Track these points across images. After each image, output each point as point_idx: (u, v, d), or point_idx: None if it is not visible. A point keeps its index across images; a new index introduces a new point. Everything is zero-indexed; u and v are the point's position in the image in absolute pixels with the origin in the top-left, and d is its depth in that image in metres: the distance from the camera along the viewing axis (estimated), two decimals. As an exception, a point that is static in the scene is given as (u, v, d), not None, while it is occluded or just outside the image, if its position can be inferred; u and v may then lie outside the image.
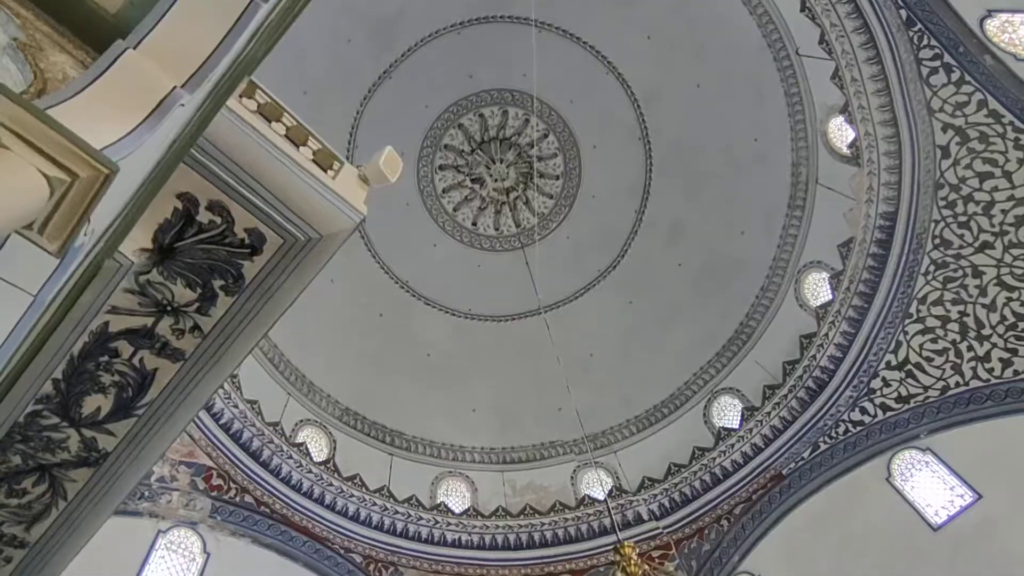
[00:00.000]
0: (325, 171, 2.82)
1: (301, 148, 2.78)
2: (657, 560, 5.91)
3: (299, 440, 12.78)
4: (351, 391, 14.23)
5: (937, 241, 10.75)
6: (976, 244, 10.46)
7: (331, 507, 12.10)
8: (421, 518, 12.70)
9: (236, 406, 11.74)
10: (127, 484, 3.26)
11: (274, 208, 2.73)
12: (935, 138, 10.16)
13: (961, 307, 10.92)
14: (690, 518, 12.54)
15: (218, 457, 11.26)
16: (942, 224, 10.63)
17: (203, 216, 2.68)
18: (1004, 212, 10.05)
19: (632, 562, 5.46)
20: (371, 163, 2.98)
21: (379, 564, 12.04)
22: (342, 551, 11.81)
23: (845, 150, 11.86)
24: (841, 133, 11.98)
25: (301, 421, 13.46)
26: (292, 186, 2.72)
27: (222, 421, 11.49)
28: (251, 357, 13.12)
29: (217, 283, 2.80)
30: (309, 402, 13.82)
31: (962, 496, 10.51)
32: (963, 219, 10.48)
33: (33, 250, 2.57)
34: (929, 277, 10.93)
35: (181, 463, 10.88)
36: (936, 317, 11.15)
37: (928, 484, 11.03)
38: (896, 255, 11.23)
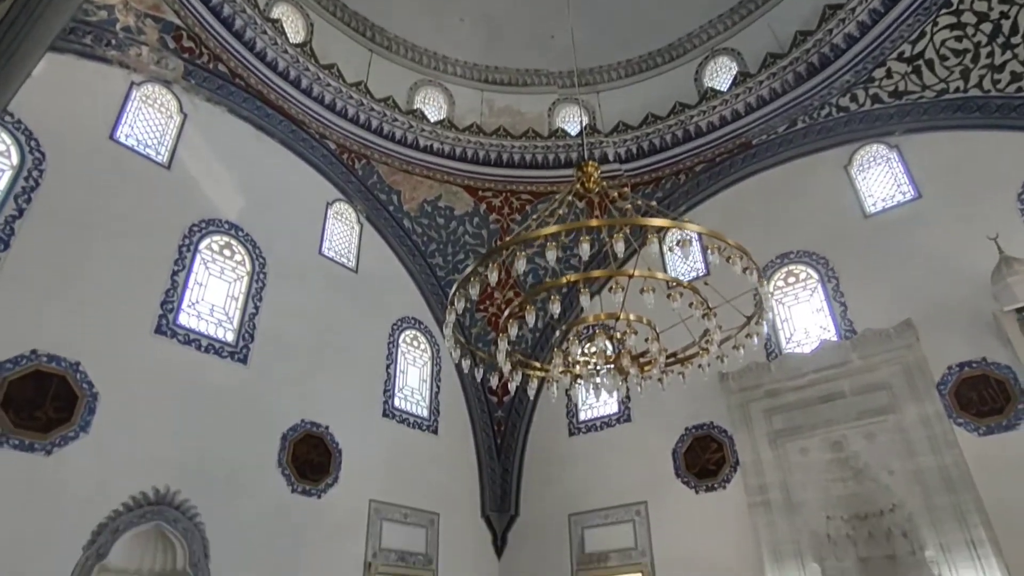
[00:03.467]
0: None
1: None
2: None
3: (274, 16, 12.01)
4: (332, -32, 12.89)
5: (1034, -84, 9.23)
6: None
7: (307, 92, 12.06)
8: (396, 119, 12.91)
9: (202, -39, 10.60)
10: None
11: None
12: None
13: (1006, 7, 10.01)
14: (652, 167, 13.18)
15: (187, 17, 10.60)
16: None
17: None
18: None
19: (592, 179, 5.86)
20: None
21: (352, 155, 12.62)
22: (317, 136, 12.20)
23: None
24: None
25: (276, -5, 12.45)
26: None
27: (187, -24, 10.49)
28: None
29: None
30: (285, -26, 12.57)
31: (904, 194, 11.18)
32: None
33: None
34: (996, -37, 9.69)
35: (147, 16, 10.24)
36: (975, 13, 10.28)
37: (879, 177, 11.61)
38: (975, -73, 9.72)
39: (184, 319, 9.42)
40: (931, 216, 10.60)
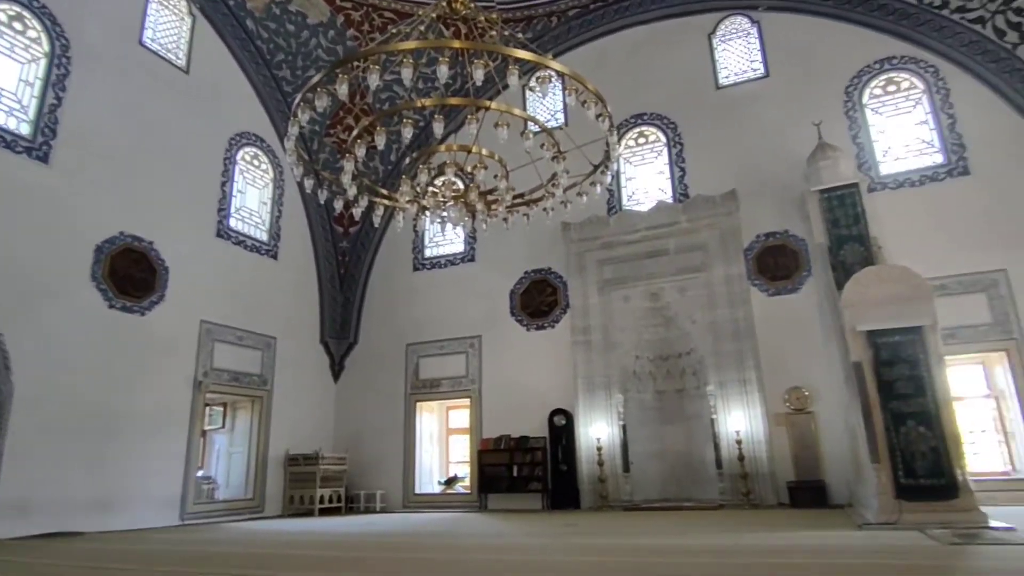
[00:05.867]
0: None
1: None
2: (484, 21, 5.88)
3: None
4: None
5: None
6: None
7: None
8: None
9: None
10: None
11: None
12: None
13: None
14: (526, 4, 12.50)
15: None
16: None
17: None
18: None
19: (460, 1, 5.41)
20: None
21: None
22: None
23: None
24: None
25: None
26: None
27: None
28: None
29: None
30: None
31: (755, 70, 11.76)
32: None
33: None
34: None
35: None
36: None
37: (736, 51, 12.04)
38: None
39: (-39, 100, 7.87)
40: (772, 96, 11.33)
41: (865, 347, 6.53)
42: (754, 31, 11.93)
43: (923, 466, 6.01)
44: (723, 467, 9.89)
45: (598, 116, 5.18)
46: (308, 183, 5.58)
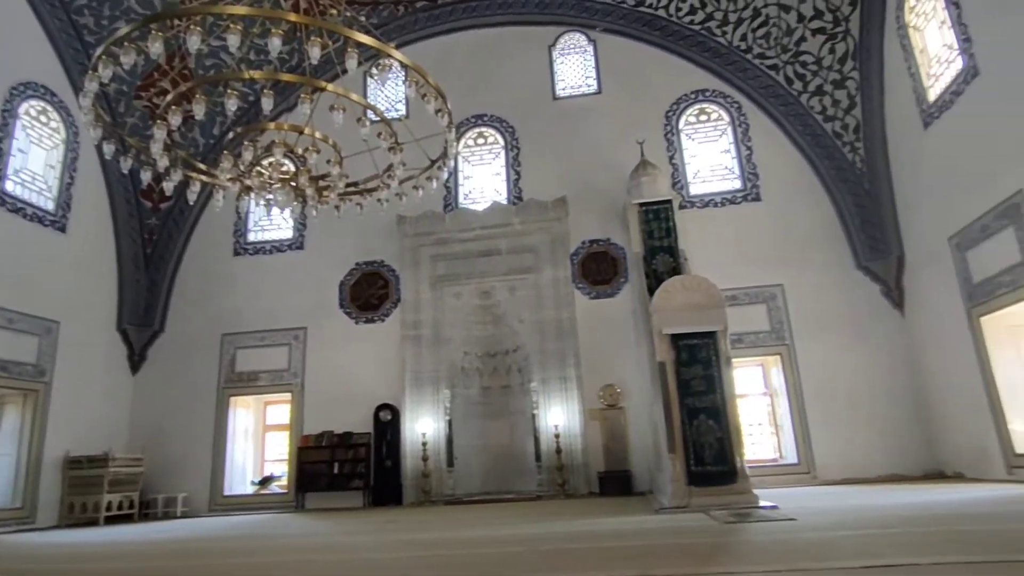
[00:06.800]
0: None
1: None
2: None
3: None
4: None
5: None
6: None
7: None
8: None
9: None
10: None
11: None
12: None
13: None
14: (374, -12, 12.16)
15: None
16: None
17: None
18: None
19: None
20: None
21: None
22: None
23: None
24: None
25: None
26: None
27: None
28: None
29: None
30: None
31: (589, 87, 12.48)
32: None
33: None
34: None
35: None
36: (680, -64, 11.38)
37: (573, 66, 12.69)
38: None
39: None
40: (603, 112, 12.09)
41: (669, 349, 7.21)
42: (590, 49, 12.64)
43: (710, 455, 6.76)
44: (542, 460, 10.37)
45: (437, 111, 5.16)
46: (108, 148, 4.91)
